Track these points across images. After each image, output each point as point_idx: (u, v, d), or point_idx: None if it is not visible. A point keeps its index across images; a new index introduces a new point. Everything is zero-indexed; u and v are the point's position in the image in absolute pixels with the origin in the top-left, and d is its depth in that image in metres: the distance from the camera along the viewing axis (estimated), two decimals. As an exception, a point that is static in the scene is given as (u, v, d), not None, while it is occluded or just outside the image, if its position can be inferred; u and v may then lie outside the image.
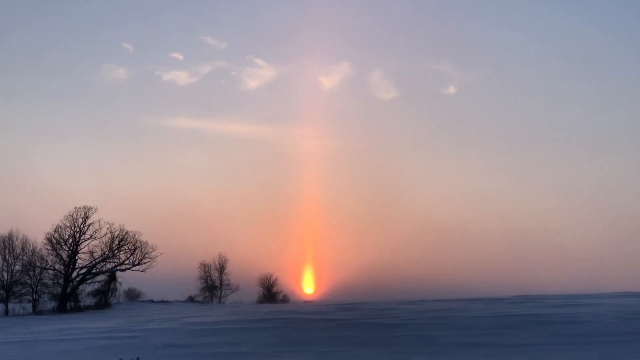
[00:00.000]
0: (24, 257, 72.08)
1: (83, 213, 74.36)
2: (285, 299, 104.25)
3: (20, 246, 72.15)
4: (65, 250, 74.34)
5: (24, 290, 71.97)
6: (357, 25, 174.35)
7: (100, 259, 75.28)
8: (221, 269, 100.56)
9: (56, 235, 73.77)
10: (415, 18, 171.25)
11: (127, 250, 76.16)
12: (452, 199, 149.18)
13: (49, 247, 73.39)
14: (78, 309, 73.35)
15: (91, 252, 75.11)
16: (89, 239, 74.69)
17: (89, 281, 76.98)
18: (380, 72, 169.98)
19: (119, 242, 75.58)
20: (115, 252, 75.80)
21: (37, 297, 71.71)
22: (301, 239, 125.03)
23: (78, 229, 74.31)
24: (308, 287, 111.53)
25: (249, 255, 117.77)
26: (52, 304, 73.00)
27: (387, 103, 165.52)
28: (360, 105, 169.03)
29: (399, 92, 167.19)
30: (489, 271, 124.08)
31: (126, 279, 79.81)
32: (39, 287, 72.30)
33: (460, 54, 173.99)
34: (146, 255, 76.09)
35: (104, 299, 78.11)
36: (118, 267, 77.00)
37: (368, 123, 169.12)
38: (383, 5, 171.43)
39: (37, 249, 73.33)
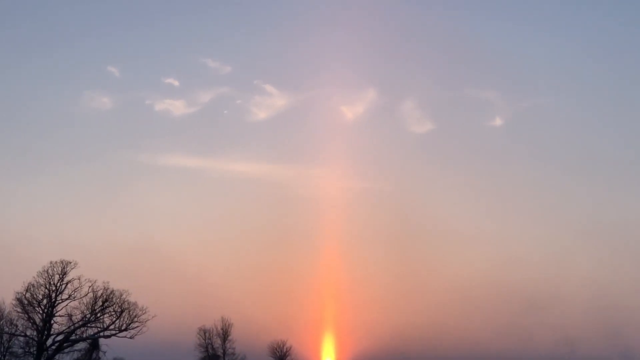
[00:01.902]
0: (-10, 322, 70.10)
1: (60, 268, 73.12)
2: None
3: (-14, 308, 70.40)
4: (39, 312, 72.45)
5: (-12, 361, 69.63)
6: (386, 47, 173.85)
7: (80, 323, 73.43)
8: (224, 335, 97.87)
9: (28, 295, 72.20)
10: (453, 38, 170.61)
11: (113, 313, 74.77)
12: (498, 251, 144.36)
13: (19, 309, 71.97)
14: (53, 383, 70.56)
15: (69, 315, 73.35)
16: (67, 299, 73.31)
17: (66, 350, 74.63)
18: (412, 101, 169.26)
19: (103, 303, 74.17)
20: (99, 315, 74.21)
21: (4, 370, 69.37)
22: (320, 299, 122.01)
23: (54, 288, 72.82)
24: (328, 356, 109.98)
25: (258, 318, 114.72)
26: (23, 378, 70.41)
27: (422, 137, 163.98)
28: (390, 140, 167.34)
29: (436, 124, 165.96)
30: (544, 337, 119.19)
31: (111, 347, 77.56)
32: (7, 357, 70.84)
33: (508, 78, 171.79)
34: (135, 319, 74.80)
35: (84, 371, 75.33)
36: (102, 333, 75.08)
37: (399, 161, 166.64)
38: (416, 25, 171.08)
39: (6, 312, 72.35)
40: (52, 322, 72.90)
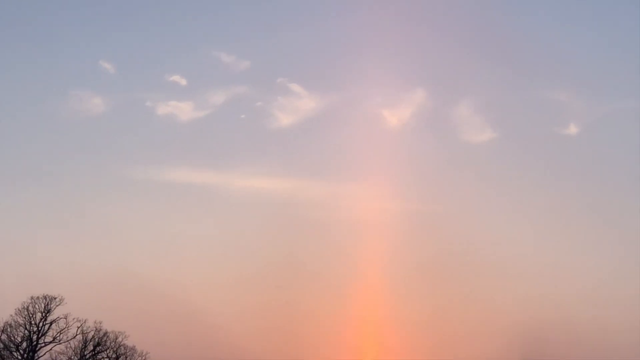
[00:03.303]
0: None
1: (43, 305, 73.76)
2: None
3: (-43, 352, 70.30)
4: (17, 358, 72.70)
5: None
6: (437, 39, 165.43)
7: (68, 370, 72.12)
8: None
9: (4, 337, 73.02)
10: (519, 29, 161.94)
11: (107, 359, 76.10)
12: (573, 287, 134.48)
13: (-6, 354, 71.61)
14: None
15: (54, 362, 71.81)
16: (51, 342, 74.56)
17: (51, 402, 73.29)
18: (469, 104, 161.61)
19: (95, 347, 75.03)
20: (90, 360, 73.72)
21: None
22: (355, 344, 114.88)
23: (36, 328, 73.65)
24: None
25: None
26: None
27: (480, 148, 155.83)
28: (441, 151, 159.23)
29: (497, 132, 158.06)
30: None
31: (105, 399, 75.73)
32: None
33: (585, 78, 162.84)
34: (133, 366, 73.81)
35: None
36: (93, 383, 74.01)
37: (452, 177, 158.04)
38: (474, 12, 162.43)
39: (-21, 356, 71.65)
40: (34, 368, 71.01)
